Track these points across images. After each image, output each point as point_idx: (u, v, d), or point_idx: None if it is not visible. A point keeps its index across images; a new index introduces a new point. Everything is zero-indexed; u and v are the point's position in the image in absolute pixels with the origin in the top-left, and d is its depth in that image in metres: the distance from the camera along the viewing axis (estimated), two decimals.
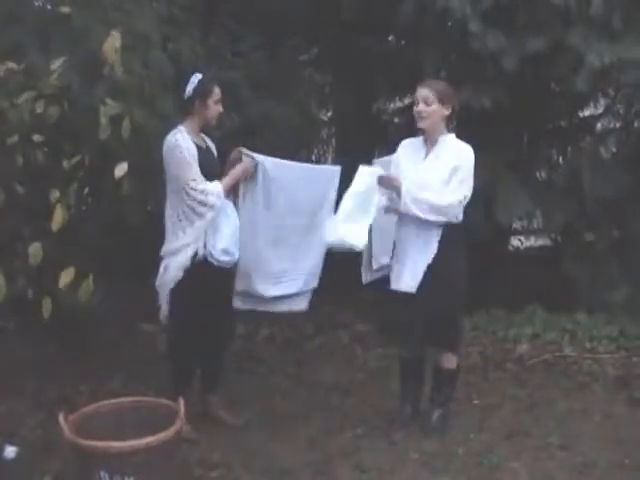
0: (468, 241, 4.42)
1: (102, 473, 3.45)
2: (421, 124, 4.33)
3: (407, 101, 7.62)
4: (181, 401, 3.75)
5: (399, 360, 4.71)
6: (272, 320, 6.17)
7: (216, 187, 4.22)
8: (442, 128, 4.36)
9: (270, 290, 4.51)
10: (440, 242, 4.30)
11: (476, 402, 4.99)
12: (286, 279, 4.55)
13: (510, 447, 4.34)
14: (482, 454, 4.25)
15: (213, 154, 4.49)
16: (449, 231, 4.30)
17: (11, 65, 3.83)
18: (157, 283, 4.38)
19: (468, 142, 4.43)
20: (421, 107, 4.30)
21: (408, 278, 4.35)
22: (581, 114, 7.13)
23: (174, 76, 4.81)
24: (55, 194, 3.70)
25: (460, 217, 4.31)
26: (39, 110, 3.76)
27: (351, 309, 6.50)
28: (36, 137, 3.84)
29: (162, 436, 3.51)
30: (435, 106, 4.27)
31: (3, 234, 4.14)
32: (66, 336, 5.19)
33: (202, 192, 4.19)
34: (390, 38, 7.02)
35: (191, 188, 4.18)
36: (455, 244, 4.34)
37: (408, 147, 4.49)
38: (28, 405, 4.81)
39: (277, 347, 6.02)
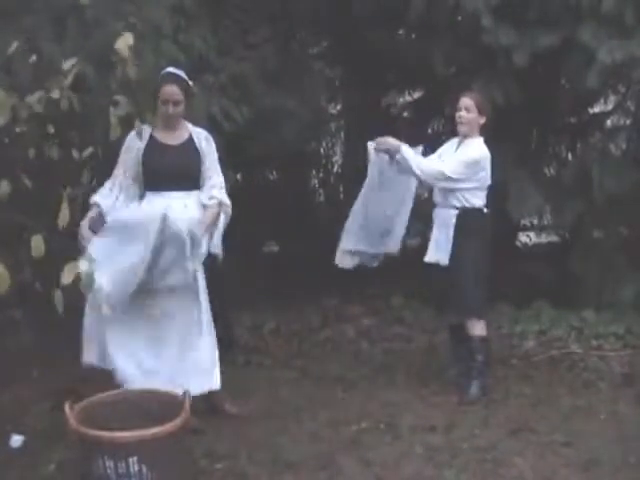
0: None
1: (107, 463, 3.46)
2: (460, 128, 4.92)
3: (416, 95, 7.63)
4: (188, 392, 3.76)
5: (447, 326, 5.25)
6: (278, 313, 6.18)
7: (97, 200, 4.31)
8: (475, 132, 4.89)
9: None
10: (457, 222, 4.83)
11: (481, 397, 4.98)
12: None
13: (514, 443, 4.33)
14: (486, 450, 4.24)
15: (184, 151, 4.41)
16: (465, 215, 4.84)
17: (18, 46, 3.81)
18: None
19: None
20: (462, 113, 4.87)
21: (433, 251, 4.93)
22: (591, 111, 7.12)
23: (185, 67, 4.81)
24: (64, 189, 3.69)
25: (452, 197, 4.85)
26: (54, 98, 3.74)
27: (357, 303, 6.50)
28: (49, 128, 3.84)
29: (168, 427, 3.52)
30: (474, 114, 4.85)
31: (9, 225, 4.14)
32: (72, 325, 5.20)
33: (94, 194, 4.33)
34: (400, 32, 7.01)
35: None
36: (471, 228, 4.82)
37: (448, 144, 5.07)
38: (34, 394, 4.84)
39: (283, 340, 6.03)
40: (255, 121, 5.57)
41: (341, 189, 8.50)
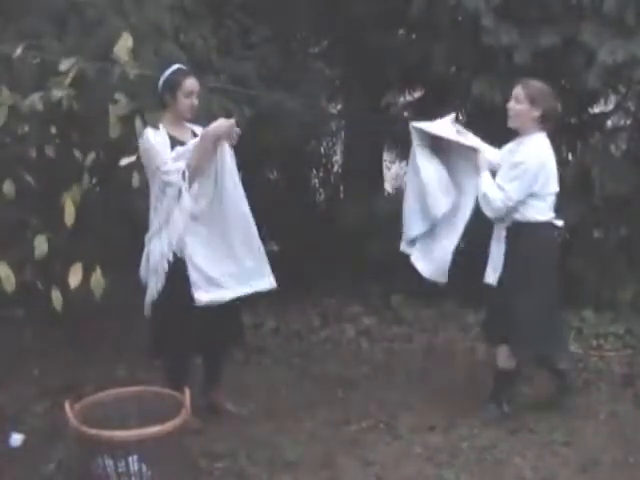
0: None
1: (107, 461, 3.47)
2: (509, 122, 4.37)
3: (417, 95, 7.62)
4: (187, 392, 3.76)
5: None
6: (278, 312, 6.18)
7: (177, 165, 4.13)
8: (531, 128, 4.31)
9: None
10: (507, 238, 4.35)
11: (481, 398, 4.98)
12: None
13: (514, 443, 4.33)
14: (486, 449, 4.25)
15: None
16: (516, 230, 4.33)
17: (23, 48, 3.81)
18: (141, 273, 4.37)
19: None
20: (510, 104, 4.35)
21: (490, 271, 4.46)
22: (591, 111, 7.10)
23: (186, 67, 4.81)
24: (67, 188, 3.69)
25: (511, 214, 4.29)
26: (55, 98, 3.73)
27: (357, 302, 6.50)
28: (51, 129, 3.85)
29: (168, 426, 3.52)
30: (523, 105, 4.28)
31: (11, 225, 4.15)
32: (73, 324, 5.21)
33: (165, 173, 4.14)
34: (401, 32, 7.01)
35: (161, 172, 4.14)
36: (526, 243, 4.31)
37: (505, 150, 4.48)
38: (34, 393, 4.84)
39: (283, 339, 6.03)
40: (255, 121, 5.56)
41: (341, 189, 8.48)
